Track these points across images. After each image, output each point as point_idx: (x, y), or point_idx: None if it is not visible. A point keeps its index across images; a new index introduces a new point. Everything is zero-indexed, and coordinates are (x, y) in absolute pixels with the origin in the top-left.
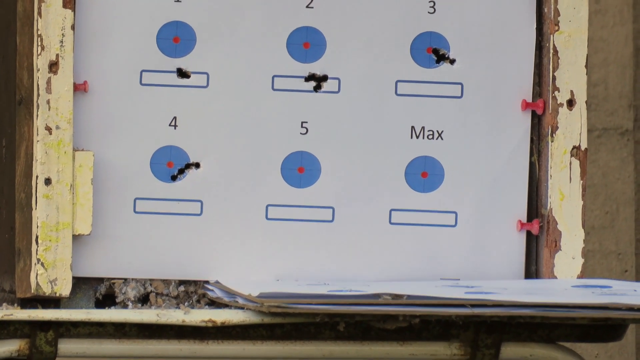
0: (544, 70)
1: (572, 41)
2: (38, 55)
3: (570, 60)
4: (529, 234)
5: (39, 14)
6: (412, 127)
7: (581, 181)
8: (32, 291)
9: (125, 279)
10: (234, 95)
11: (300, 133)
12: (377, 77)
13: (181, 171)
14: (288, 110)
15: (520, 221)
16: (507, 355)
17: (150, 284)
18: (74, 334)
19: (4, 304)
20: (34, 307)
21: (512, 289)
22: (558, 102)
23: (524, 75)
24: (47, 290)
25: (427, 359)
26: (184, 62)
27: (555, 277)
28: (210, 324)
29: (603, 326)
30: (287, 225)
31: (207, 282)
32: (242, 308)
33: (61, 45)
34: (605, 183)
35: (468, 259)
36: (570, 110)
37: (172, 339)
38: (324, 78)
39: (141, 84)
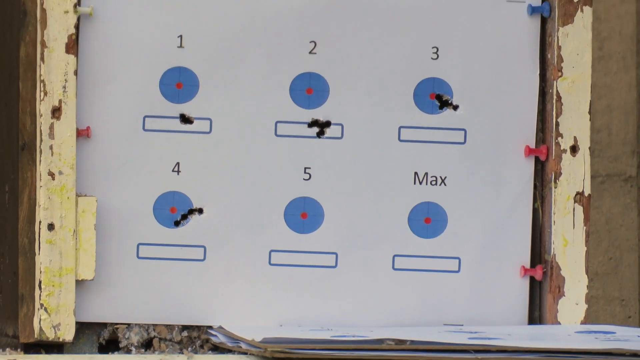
0: (547, 116)
1: (575, 87)
2: (41, 100)
3: (573, 107)
4: (532, 279)
5: (42, 59)
6: (415, 173)
7: (584, 227)
8: (36, 336)
9: (129, 324)
10: (237, 141)
11: (303, 179)
12: (380, 123)
13: (184, 217)
14: (291, 156)
15: (523, 267)
16: None
17: (154, 329)
18: None
19: (7, 349)
20: (38, 352)
21: (516, 334)
22: (561, 148)
23: (527, 121)
24: (50, 335)
25: None
26: (187, 108)
27: (559, 323)
28: None
29: None
30: (291, 271)
31: (210, 327)
32: (245, 353)
33: (64, 91)
34: (609, 229)
35: (471, 304)
36: (574, 156)
37: None
38: (327, 124)
39: (144, 129)
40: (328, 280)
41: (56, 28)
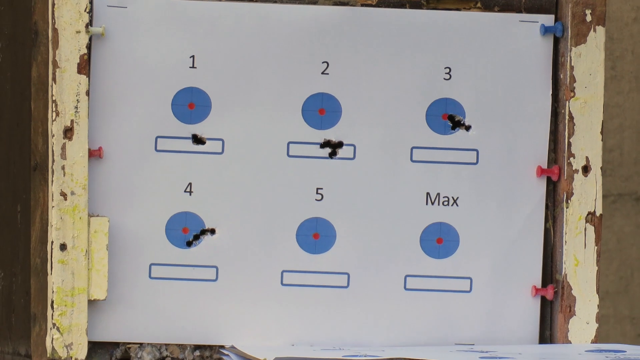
0: (560, 136)
1: (587, 107)
2: (53, 120)
3: (585, 127)
4: (543, 299)
5: (54, 79)
6: (427, 194)
7: (596, 247)
8: (48, 355)
9: (141, 344)
10: (249, 162)
11: (316, 199)
12: (392, 144)
13: (196, 237)
14: (303, 176)
15: (534, 287)
16: None
17: (166, 349)
18: None
19: None
20: None
21: (527, 354)
22: (573, 169)
23: (539, 142)
24: (62, 354)
25: None
26: (199, 129)
27: (570, 342)
28: None
29: None
30: (302, 291)
31: (222, 347)
32: None
33: (76, 111)
34: (620, 248)
35: (483, 324)
36: (586, 176)
37: None
38: (339, 144)
39: (156, 150)
40: (340, 300)
41: (68, 48)
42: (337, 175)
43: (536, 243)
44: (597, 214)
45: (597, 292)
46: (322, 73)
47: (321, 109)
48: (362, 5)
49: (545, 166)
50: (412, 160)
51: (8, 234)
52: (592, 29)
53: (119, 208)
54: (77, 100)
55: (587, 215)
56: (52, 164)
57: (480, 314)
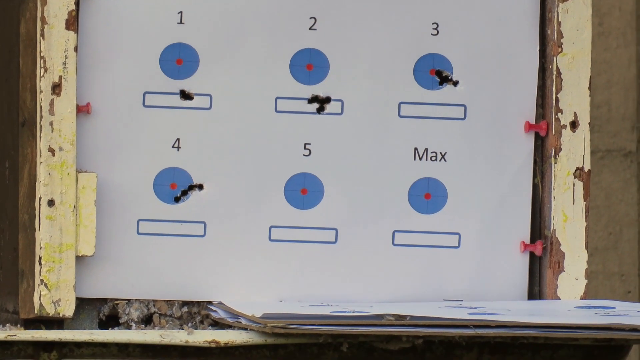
0: (547, 92)
1: (575, 63)
2: (41, 77)
3: (573, 82)
4: (532, 255)
5: (42, 36)
6: (415, 149)
7: (584, 203)
8: (36, 312)
9: (129, 300)
10: (237, 117)
11: (304, 155)
12: (380, 99)
13: (184, 193)
14: (291, 132)
15: (523, 242)
16: None
17: (154, 305)
18: (78, 354)
19: (7, 324)
20: (38, 327)
21: (516, 310)
22: (561, 124)
23: (527, 97)
24: (50, 311)
25: None
26: (187, 84)
27: (559, 298)
28: (213, 345)
29: (606, 347)
30: (291, 247)
31: (210, 303)
32: (245, 329)
33: (64, 67)
34: (609, 204)
35: (471, 280)
36: (574, 132)
37: (175, 359)
38: (327, 100)
39: (144, 105)
40: (328, 256)
41: (56, 4)
42: (325, 130)
43: (524, 198)
44: (586, 170)
45: (586, 248)
46: (310, 28)
47: (309, 64)
48: None
49: (533, 121)
50: (399, 116)
51: None
52: None
53: (106, 164)
54: (65, 56)
55: (576, 170)
56: (40, 120)
57: (468, 270)
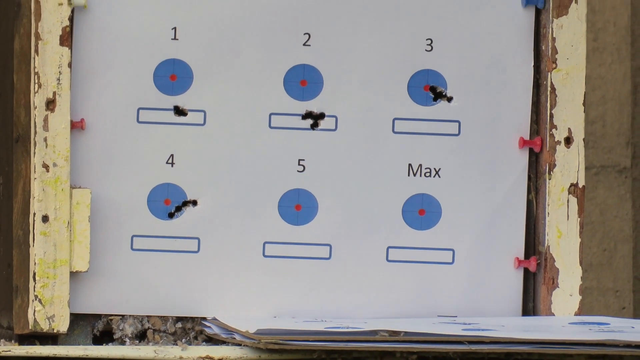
0: (542, 107)
1: (569, 79)
2: (35, 92)
3: (567, 98)
4: (526, 271)
5: (36, 51)
6: (410, 165)
7: (579, 219)
8: (30, 327)
9: (123, 316)
10: (231, 133)
11: (297, 170)
12: (374, 115)
13: (178, 208)
14: (285, 147)
15: (517, 258)
16: None
17: (148, 321)
18: None
19: (1, 340)
20: (32, 343)
21: (510, 326)
22: (555, 140)
23: (521, 113)
24: (44, 326)
25: None
26: (181, 100)
27: (553, 314)
28: None
29: None
30: (284, 263)
31: (204, 318)
32: (239, 345)
33: (58, 83)
34: (603, 220)
35: (465, 296)
36: (568, 147)
37: None
38: (321, 116)
39: (138, 121)
40: (322, 272)
41: (50, 20)
42: (319, 146)
43: (519, 215)
44: (580, 186)
45: (581, 264)
46: (304, 44)
47: (303, 80)
48: None
49: (527, 137)
50: (394, 132)
51: None
52: (574, 1)
53: (101, 180)
54: (60, 72)
55: (570, 186)
56: (35, 135)
57: (462, 286)
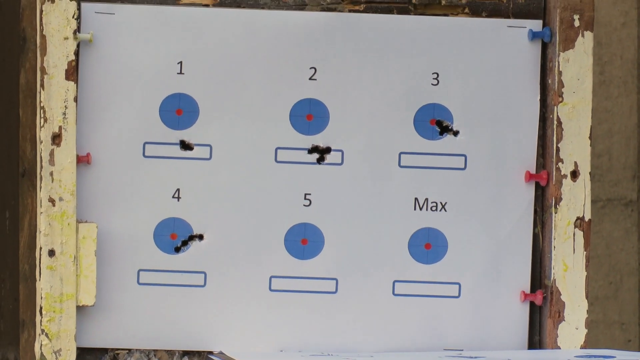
0: (548, 141)
1: (576, 112)
2: (41, 127)
3: (574, 132)
4: (532, 304)
5: (42, 86)
6: (416, 199)
7: (585, 252)
8: None
9: (130, 350)
10: (237, 167)
11: (304, 205)
12: (380, 149)
13: (185, 243)
14: (291, 182)
15: (523, 292)
16: None
17: (155, 355)
18: None
19: None
20: None
21: (516, 359)
22: (562, 174)
23: (527, 147)
24: None
25: None
26: (187, 134)
27: (559, 348)
28: None
29: None
30: (291, 297)
31: (211, 352)
32: None
33: (64, 117)
34: (609, 253)
35: (472, 329)
36: (574, 181)
37: None
38: (327, 150)
39: (144, 156)
40: (328, 306)
41: (56, 55)
42: (325, 180)
43: (525, 248)
44: (586, 219)
45: (586, 298)
46: (310, 79)
47: (309, 115)
48: (350, 11)
49: (533, 171)
50: (400, 166)
51: None
52: (581, 34)
53: (107, 214)
54: (65, 106)
55: (576, 220)
56: (41, 170)
57: (469, 320)
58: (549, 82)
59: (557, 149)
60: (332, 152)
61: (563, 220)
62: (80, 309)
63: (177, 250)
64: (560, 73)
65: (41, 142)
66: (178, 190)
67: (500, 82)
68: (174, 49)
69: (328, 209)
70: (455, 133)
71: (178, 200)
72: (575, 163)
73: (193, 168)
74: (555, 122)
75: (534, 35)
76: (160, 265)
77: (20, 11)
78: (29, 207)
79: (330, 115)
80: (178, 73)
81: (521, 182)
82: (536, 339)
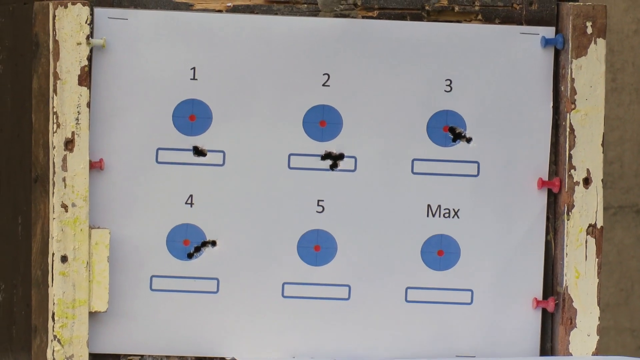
0: (560, 148)
1: (588, 120)
2: (54, 132)
3: (586, 139)
4: (544, 311)
5: (55, 91)
6: (429, 206)
7: (597, 259)
8: None
9: (142, 356)
10: (250, 174)
11: (317, 211)
12: (393, 156)
13: (197, 249)
14: (304, 188)
15: (535, 299)
16: None
17: None
18: None
19: None
20: None
21: None
22: (574, 181)
23: (540, 154)
24: None
25: None
26: (200, 140)
27: (571, 354)
28: None
29: None
30: (303, 303)
31: (223, 359)
32: None
33: (77, 123)
34: (620, 260)
35: (484, 336)
36: (587, 188)
37: None
38: (340, 156)
39: (157, 162)
40: (341, 313)
41: (69, 60)
42: (338, 187)
43: (537, 255)
44: (598, 226)
45: (598, 304)
46: (323, 85)
47: (322, 121)
48: (363, 17)
49: (546, 178)
50: (413, 172)
51: (9, 246)
52: (593, 41)
53: (120, 220)
54: (78, 112)
55: (588, 227)
56: (53, 175)
57: (481, 326)
58: (562, 89)
59: (570, 156)
60: (345, 159)
61: (575, 227)
62: (92, 315)
63: (190, 256)
64: (572, 80)
65: (54, 148)
66: (191, 196)
67: (513, 89)
68: (187, 54)
69: (341, 215)
70: (468, 140)
71: (191, 207)
72: (588, 170)
73: (206, 174)
74: (567, 129)
75: (546, 42)
76: (173, 272)
77: (33, 16)
78: (41, 213)
79: (344, 121)
80: (191, 79)
81: (534, 189)
82: (548, 346)
